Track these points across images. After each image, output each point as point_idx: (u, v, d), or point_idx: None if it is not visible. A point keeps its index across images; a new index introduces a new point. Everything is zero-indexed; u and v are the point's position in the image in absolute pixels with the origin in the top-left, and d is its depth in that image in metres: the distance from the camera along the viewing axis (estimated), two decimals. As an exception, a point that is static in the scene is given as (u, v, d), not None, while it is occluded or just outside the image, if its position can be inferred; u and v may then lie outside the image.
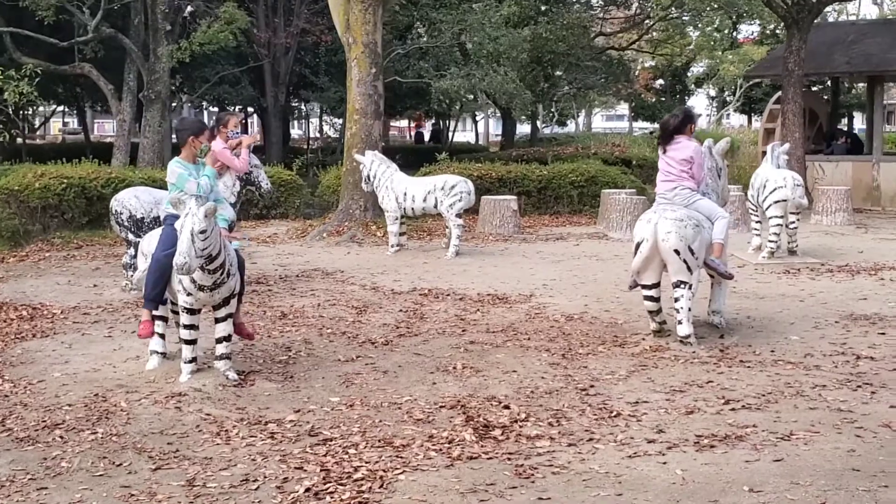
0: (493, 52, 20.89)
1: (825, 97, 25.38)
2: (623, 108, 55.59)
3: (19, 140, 27.57)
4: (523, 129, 38.79)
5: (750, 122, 47.66)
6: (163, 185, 7.33)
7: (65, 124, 51.76)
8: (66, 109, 39.81)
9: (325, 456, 5.30)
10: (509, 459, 5.22)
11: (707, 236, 7.79)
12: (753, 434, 5.58)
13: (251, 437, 5.66)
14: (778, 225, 12.06)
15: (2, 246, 13.65)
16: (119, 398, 6.42)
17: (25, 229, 14.20)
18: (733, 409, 6.06)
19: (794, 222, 12.31)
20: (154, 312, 7.12)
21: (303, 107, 37.75)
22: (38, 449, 5.49)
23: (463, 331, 8.38)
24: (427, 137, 42.60)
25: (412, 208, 13.03)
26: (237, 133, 10.76)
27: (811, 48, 19.48)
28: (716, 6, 28.97)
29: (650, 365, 7.17)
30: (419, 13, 23.03)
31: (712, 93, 49.09)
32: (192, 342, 6.84)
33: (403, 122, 51.16)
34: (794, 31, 18.92)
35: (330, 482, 4.91)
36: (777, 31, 35.07)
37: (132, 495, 4.81)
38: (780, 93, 20.26)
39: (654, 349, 7.61)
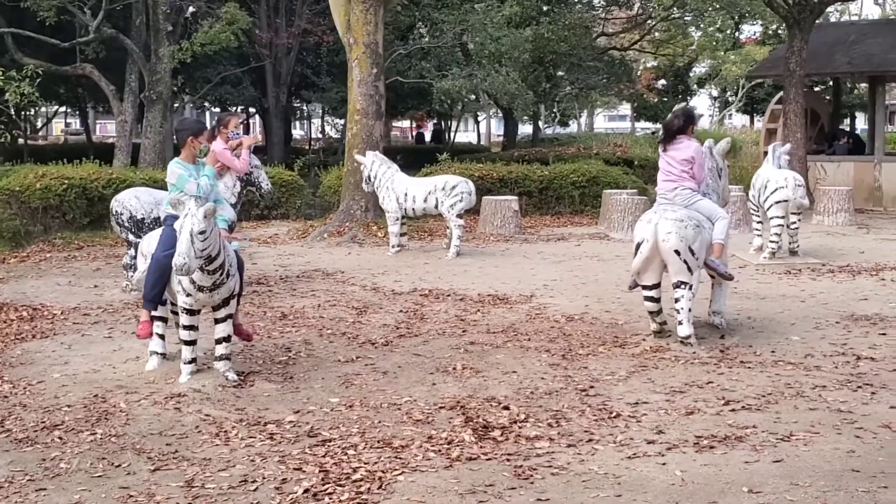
0: (494, 53, 20.88)
1: (827, 97, 25.36)
2: (625, 109, 55.63)
3: (21, 141, 27.59)
4: (525, 129, 38.79)
5: (752, 122, 47.69)
6: (164, 186, 7.32)
7: (67, 125, 51.87)
8: (69, 110, 39.83)
9: (323, 457, 5.29)
10: (508, 460, 5.22)
11: (707, 237, 7.78)
12: (753, 435, 5.57)
13: (250, 437, 5.65)
14: (779, 225, 12.04)
15: (3, 247, 13.66)
16: (118, 399, 6.41)
17: (26, 230, 14.21)
18: (733, 410, 6.05)
19: (795, 223, 12.29)
20: (154, 313, 7.12)
21: (304, 107, 37.77)
22: (37, 450, 5.49)
23: (463, 331, 8.37)
24: (428, 138, 42.60)
25: (413, 209, 13.03)
26: (237, 134, 10.77)
27: (813, 48, 19.46)
28: (718, 6, 28.97)
29: (650, 366, 7.17)
30: (421, 13, 23.03)
31: (714, 93, 49.14)
32: (191, 343, 6.84)
33: (406, 123, 51.17)
34: (796, 31, 18.90)
35: (329, 483, 4.90)
36: (779, 32, 35.05)
37: (131, 496, 4.81)
38: (781, 93, 20.25)
39: (655, 350, 7.60)
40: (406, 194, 12.97)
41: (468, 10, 21.46)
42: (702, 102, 53.80)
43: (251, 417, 6.03)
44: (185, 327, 6.83)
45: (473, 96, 28.70)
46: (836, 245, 13.75)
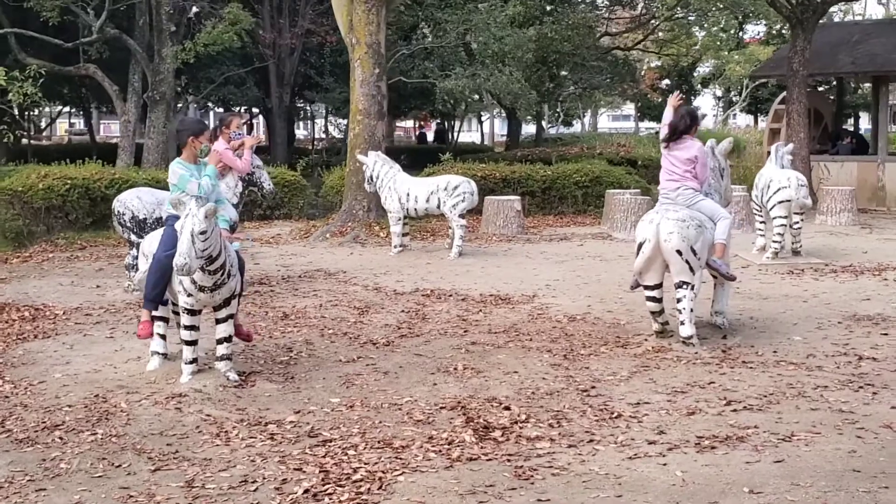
0: (498, 52, 20.87)
1: (830, 97, 25.34)
2: (629, 108, 55.62)
3: (25, 141, 27.64)
4: (529, 129, 38.78)
5: (756, 122, 47.66)
6: (167, 187, 7.32)
7: (71, 125, 51.90)
8: (73, 110, 39.91)
9: (324, 457, 5.29)
10: (509, 461, 5.21)
11: (709, 237, 7.76)
12: (754, 435, 5.56)
13: (251, 438, 5.65)
14: (782, 225, 12.02)
15: (6, 247, 13.68)
16: (119, 399, 6.42)
17: (29, 230, 14.23)
18: (735, 410, 6.04)
19: (797, 223, 12.26)
20: (155, 313, 7.12)
21: (308, 107, 37.78)
22: (38, 450, 5.49)
23: (465, 331, 8.37)
24: (431, 138, 42.61)
25: (415, 209, 13.02)
26: (240, 134, 10.78)
27: (816, 48, 19.44)
28: (721, 6, 28.91)
29: (652, 366, 7.16)
30: (424, 13, 23.03)
31: (718, 93, 49.11)
32: (192, 343, 6.84)
33: (409, 123, 51.19)
34: (799, 31, 18.87)
35: (329, 483, 4.90)
36: (783, 32, 35.01)
37: (131, 496, 4.81)
38: (785, 93, 20.22)
39: (657, 350, 7.59)
40: (408, 194, 12.97)
41: (471, 10, 21.47)
42: (706, 102, 53.83)
43: (252, 417, 6.03)
44: (186, 327, 6.83)
45: (477, 96, 28.71)
46: (839, 245, 13.73)
